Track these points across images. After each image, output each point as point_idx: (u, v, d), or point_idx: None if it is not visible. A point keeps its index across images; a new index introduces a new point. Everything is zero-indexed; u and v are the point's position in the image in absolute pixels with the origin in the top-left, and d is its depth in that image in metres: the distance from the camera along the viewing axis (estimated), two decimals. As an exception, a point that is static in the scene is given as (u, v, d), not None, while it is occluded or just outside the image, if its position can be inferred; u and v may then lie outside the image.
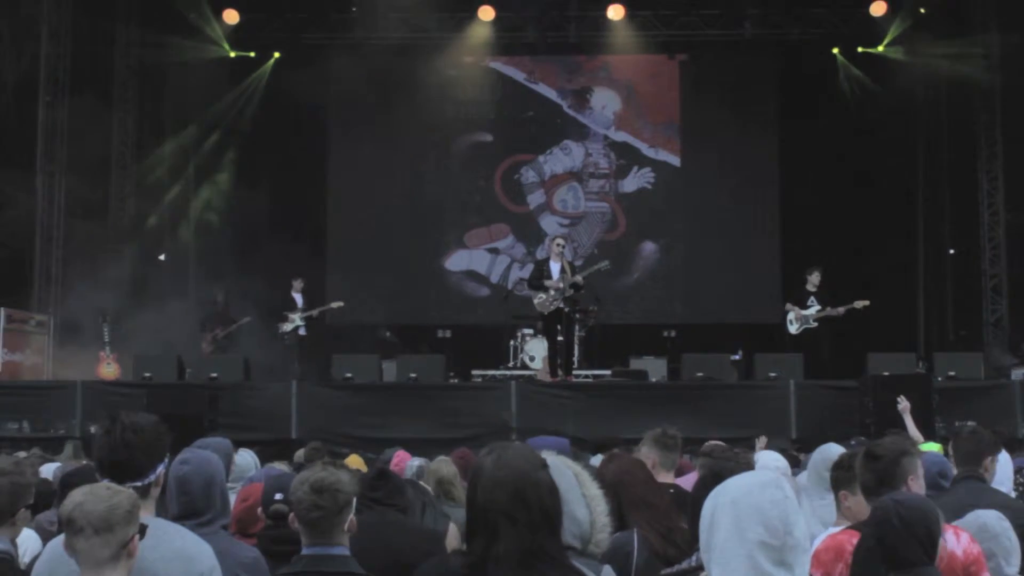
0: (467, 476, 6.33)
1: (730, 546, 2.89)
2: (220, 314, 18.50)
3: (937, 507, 3.83)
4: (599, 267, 16.04)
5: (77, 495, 3.32)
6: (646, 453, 5.95)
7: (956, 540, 4.07)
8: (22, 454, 9.92)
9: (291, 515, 4.05)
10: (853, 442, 7.83)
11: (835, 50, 21.01)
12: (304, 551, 3.97)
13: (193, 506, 4.37)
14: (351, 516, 3.99)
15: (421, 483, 6.45)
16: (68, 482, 5.03)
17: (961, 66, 19.35)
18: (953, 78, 19.64)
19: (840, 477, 4.81)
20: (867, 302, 15.89)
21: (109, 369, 16.77)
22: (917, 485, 4.40)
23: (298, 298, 17.32)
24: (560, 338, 15.59)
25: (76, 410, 14.60)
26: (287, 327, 17.22)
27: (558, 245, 15.61)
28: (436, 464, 6.31)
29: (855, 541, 3.92)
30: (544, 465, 3.06)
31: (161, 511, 4.15)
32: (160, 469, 3.88)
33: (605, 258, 17.39)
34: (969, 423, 13.11)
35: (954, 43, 19.53)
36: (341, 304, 17.18)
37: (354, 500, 4.02)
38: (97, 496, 3.31)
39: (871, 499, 4.38)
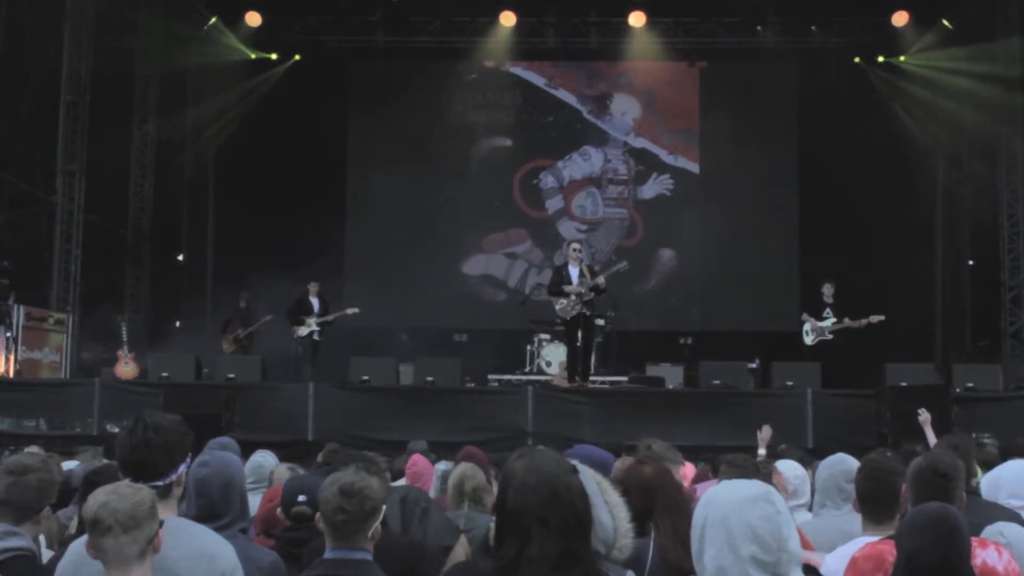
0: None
1: (726, 563, 2.89)
2: (243, 317, 18.53)
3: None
4: (617, 268, 15.94)
5: (100, 495, 3.34)
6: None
7: (998, 556, 4.03)
8: (33, 448, 9.92)
9: (317, 516, 4.05)
10: (889, 453, 7.75)
11: (856, 59, 20.97)
12: (326, 554, 3.97)
13: (211, 509, 4.36)
14: (377, 524, 3.99)
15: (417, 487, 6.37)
16: (92, 480, 5.04)
17: (982, 77, 19.28)
18: (973, 89, 19.57)
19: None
20: (883, 317, 15.80)
21: (127, 368, 16.81)
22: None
23: (315, 302, 17.32)
24: (578, 344, 15.55)
25: (94, 409, 14.64)
26: (302, 331, 17.21)
27: (575, 250, 15.55)
28: (472, 471, 6.19)
29: (896, 552, 3.88)
30: (574, 470, 3.07)
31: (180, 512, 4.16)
32: (181, 469, 3.89)
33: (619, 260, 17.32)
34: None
35: (975, 54, 19.48)
36: (356, 311, 17.16)
37: (382, 507, 4.02)
38: (121, 494, 3.34)
39: None
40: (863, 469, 4.87)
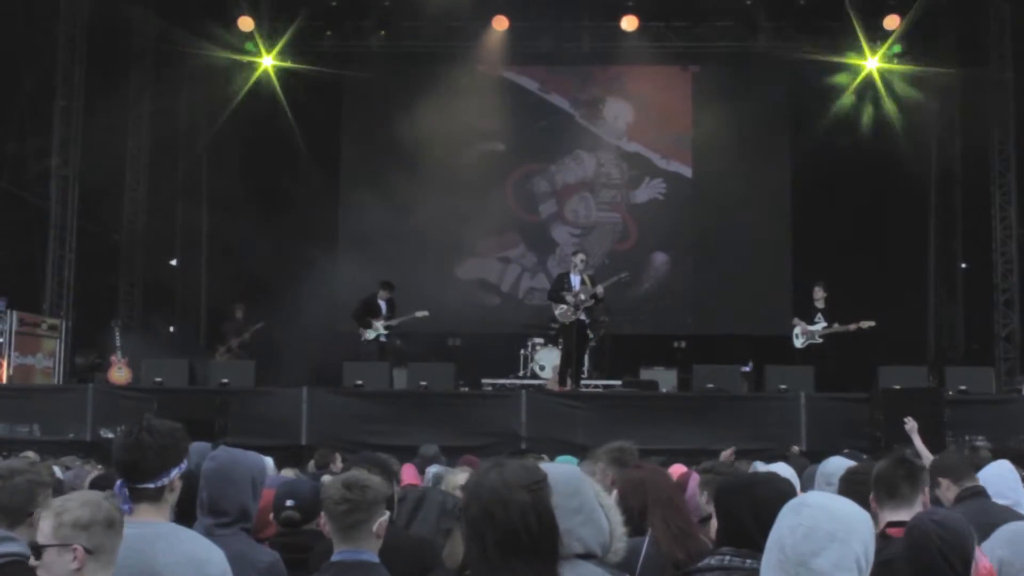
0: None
1: (765, 569, 2.89)
2: (237, 328, 18.49)
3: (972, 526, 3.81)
4: (619, 278, 16.20)
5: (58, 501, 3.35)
6: (603, 469, 5.68)
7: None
8: (29, 454, 9.93)
9: (321, 518, 4.06)
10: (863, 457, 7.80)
11: (848, 63, 20.98)
12: (334, 557, 3.99)
13: (215, 504, 4.39)
14: (382, 520, 4.01)
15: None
16: (97, 485, 5.05)
17: (974, 81, 19.33)
18: (966, 91, 19.61)
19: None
20: (873, 323, 15.81)
21: (120, 374, 16.78)
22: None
23: (383, 305, 17.12)
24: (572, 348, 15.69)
25: (87, 414, 14.63)
26: (369, 335, 16.97)
27: (581, 260, 15.76)
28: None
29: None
30: (544, 482, 3.03)
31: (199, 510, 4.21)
32: (174, 474, 3.87)
33: (620, 269, 17.36)
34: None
35: (967, 58, 19.54)
36: (426, 313, 16.94)
37: (383, 504, 4.04)
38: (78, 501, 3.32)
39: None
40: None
